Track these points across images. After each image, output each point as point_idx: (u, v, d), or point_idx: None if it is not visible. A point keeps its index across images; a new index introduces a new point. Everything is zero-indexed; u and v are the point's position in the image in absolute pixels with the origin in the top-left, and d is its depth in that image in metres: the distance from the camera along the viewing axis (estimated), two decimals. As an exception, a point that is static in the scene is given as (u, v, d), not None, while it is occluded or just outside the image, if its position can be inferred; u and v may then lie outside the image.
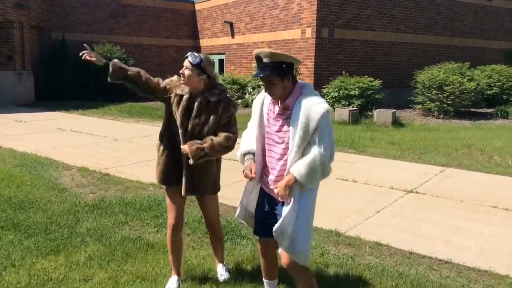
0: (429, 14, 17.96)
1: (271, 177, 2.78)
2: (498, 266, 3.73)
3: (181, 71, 3.09)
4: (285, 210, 2.62)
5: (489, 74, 16.23)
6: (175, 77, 3.27)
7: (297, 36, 15.91)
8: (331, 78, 14.59)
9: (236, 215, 3.04)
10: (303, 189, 2.62)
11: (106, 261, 3.70)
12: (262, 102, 2.83)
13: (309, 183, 2.57)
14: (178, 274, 3.33)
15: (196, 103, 3.08)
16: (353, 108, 13.00)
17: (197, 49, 23.20)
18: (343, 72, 14.77)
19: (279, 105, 2.69)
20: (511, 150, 8.75)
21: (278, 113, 2.69)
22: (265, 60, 2.53)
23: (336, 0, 15.44)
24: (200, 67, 3.07)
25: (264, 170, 2.85)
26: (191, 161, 3.01)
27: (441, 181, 6.50)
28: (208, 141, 3.02)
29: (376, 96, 13.84)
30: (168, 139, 3.23)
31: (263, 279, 3.08)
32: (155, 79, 3.25)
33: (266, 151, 2.80)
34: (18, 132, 10.53)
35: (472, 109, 14.88)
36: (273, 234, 2.64)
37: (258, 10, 18.21)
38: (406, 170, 7.16)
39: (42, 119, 12.75)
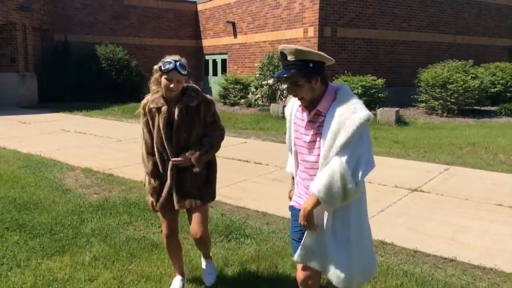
0: (432, 12, 17.91)
1: (307, 197, 2.43)
2: (503, 264, 3.71)
3: (172, 86, 2.82)
4: (331, 249, 2.33)
5: (493, 71, 16.17)
6: (147, 96, 3.01)
7: (299, 36, 15.90)
8: (334, 77, 14.57)
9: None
10: (340, 210, 2.31)
11: (111, 261, 3.71)
12: (291, 112, 2.52)
13: (328, 201, 2.23)
14: (182, 274, 3.33)
15: (176, 112, 2.88)
16: (356, 107, 12.96)
17: (200, 49, 23.25)
18: (345, 71, 14.75)
19: (309, 111, 2.36)
20: (516, 148, 8.72)
21: (308, 121, 2.35)
22: (289, 57, 2.22)
23: (338, -1, 15.42)
24: (189, 72, 2.89)
25: (300, 190, 2.53)
26: (196, 169, 2.94)
27: (446, 180, 6.48)
28: (206, 145, 2.97)
29: (379, 94, 13.82)
30: (154, 162, 3.03)
31: None
32: (145, 152, 3.08)
33: (299, 166, 2.49)
34: (22, 133, 10.57)
35: (476, 107, 14.83)
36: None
37: (260, 10, 18.21)
38: (410, 169, 7.14)
39: (46, 121, 12.79)
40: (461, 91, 13.40)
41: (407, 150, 8.67)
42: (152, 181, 3.03)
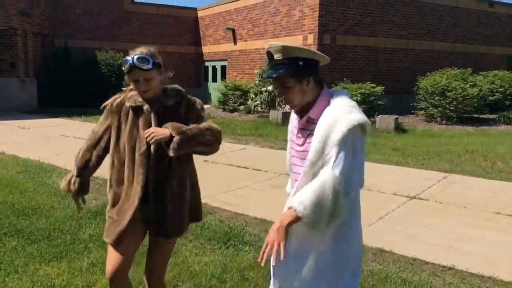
0: (431, 20, 18.01)
1: None
2: (501, 272, 3.71)
3: (140, 87, 2.31)
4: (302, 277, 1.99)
5: (491, 80, 16.24)
6: (122, 93, 2.50)
7: (299, 43, 15.97)
8: (333, 85, 14.61)
9: None
10: (325, 232, 1.96)
11: (108, 267, 3.70)
12: (291, 121, 2.23)
13: (314, 221, 1.85)
14: None
15: (152, 114, 2.36)
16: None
17: (199, 55, 23.31)
18: (344, 78, 14.80)
19: (301, 117, 2.08)
20: (514, 156, 8.73)
21: (300, 128, 2.07)
22: (276, 56, 1.95)
23: (338, 7, 15.52)
24: (156, 64, 2.33)
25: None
26: (171, 152, 2.23)
27: (444, 187, 6.48)
28: (192, 127, 2.34)
29: (379, 102, 13.86)
30: (119, 178, 2.45)
31: None
32: (91, 138, 2.56)
33: (292, 182, 2.18)
34: (21, 138, 10.57)
35: (474, 115, 14.86)
36: None
37: (260, 17, 18.29)
38: (408, 176, 7.15)
39: (45, 126, 12.79)
40: (460, 99, 13.44)
41: (406, 158, 8.67)
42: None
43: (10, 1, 16.47)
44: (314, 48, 15.27)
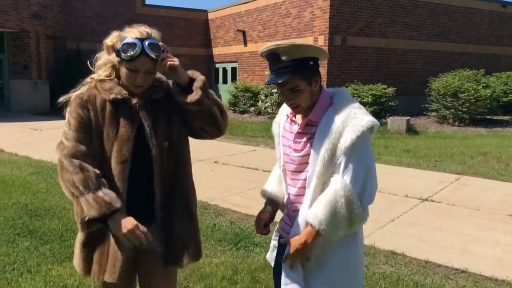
0: (443, 21, 17.86)
1: (295, 226, 1.94)
2: (516, 276, 3.66)
3: (139, 81, 1.85)
4: None
5: (504, 81, 16.06)
6: (89, 84, 1.96)
7: (309, 44, 15.95)
8: (343, 86, 14.53)
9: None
10: (332, 244, 1.85)
11: (120, 268, 3.71)
12: (279, 124, 2.08)
13: (331, 232, 1.77)
14: None
15: (143, 110, 1.91)
16: (366, 116, 12.95)
17: (210, 57, 23.38)
18: (355, 80, 14.74)
19: (299, 120, 1.94)
20: (528, 158, 8.62)
21: (298, 132, 1.91)
22: (284, 57, 1.77)
23: (349, 8, 15.46)
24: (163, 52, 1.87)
25: (288, 215, 2.05)
26: (194, 98, 1.85)
27: (457, 189, 6.42)
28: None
29: (390, 103, 13.79)
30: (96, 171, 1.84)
31: None
32: (77, 149, 1.86)
33: (288, 188, 2.02)
34: (34, 140, 10.68)
35: (487, 117, 14.71)
36: None
37: (271, 19, 18.29)
38: (421, 178, 7.09)
39: (58, 127, 12.88)
40: (472, 100, 13.31)
41: (418, 159, 8.61)
42: (110, 198, 1.78)
43: (23, 4, 16.67)
44: (325, 50, 15.24)
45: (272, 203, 2.11)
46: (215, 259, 3.93)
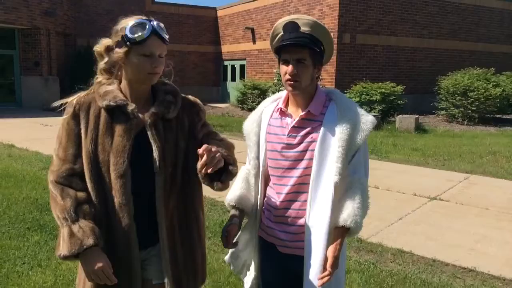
0: (453, 19, 17.73)
1: (285, 231, 1.87)
2: (524, 275, 3.65)
3: (156, 69, 1.68)
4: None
5: (515, 80, 15.90)
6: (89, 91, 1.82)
7: (318, 42, 15.91)
8: (352, 84, 14.51)
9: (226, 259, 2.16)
10: None
11: (129, 263, 3.75)
12: (259, 123, 1.98)
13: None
14: None
15: (151, 130, 1.72)
16: (375, 114, 12.91)
17: (219, 54, 23.41)
18: (364, 78, 14.69)
19: (294, 114, 1.86)
20: (538, 158, 8.55)
21: (294, 126, 1.83)
22: (303, 28, 1.74)
23: (358, 6, 15.40)
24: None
25: (271, 221, 1.93)
26: (221, 187, 1.70)
27: (466, 188, 6.39)
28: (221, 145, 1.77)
29: (399, 101, 13.72)
30: (107, 219, 1.71)
31: None
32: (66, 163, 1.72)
33: (269, 190, 1.93)
34: (44, 135, 10.77)
35: (497, 115, 14.59)
36: None
37: (280, 16, 18.26)
38: (429, 177, 7.06)
39: (67, 124, 12.98)
40: (482, 99, 13.22)
41: (427, 158, 8.57)
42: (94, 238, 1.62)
43: (34, 1, 16.80)
44: (334, 47, 15.20)
45: (240, 214, 1.98)
46: (223, 255, 3.95)
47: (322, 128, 1.78)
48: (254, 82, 17.85)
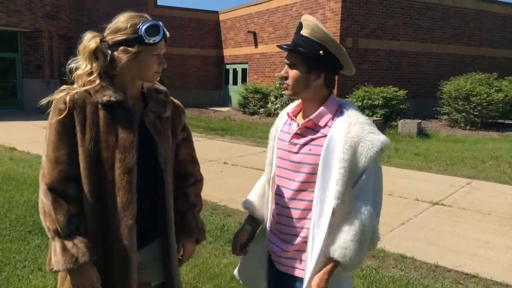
0: (455, 24, 17.73)
1: (278, 246, 1.80)
2: (528, 282, 3.62)
3: (163, 68, 1.74)
4: None
5: (517, 85, 15.87)
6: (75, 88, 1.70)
7: (320, 46, 15.92)
8: (354, 88, 14.50)
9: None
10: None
11: (129, 267, 3.73)
12: (277, 128, 1.91)
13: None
14: None
15: (153, 127, 1.74)
16: (377, 118, 12.89)
17: (221, 58, 23.44)
18: (366, 82, 14.69)
19: (300, 121, 1.76)
20: (541, 163, 8.52)
21: (296, 133, 1.74)
22: (304, 31, 1.66)
23: (360, 10, 15.41)
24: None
25: (272, 233, 1.87)
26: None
27: (468, 194, 6.36)
28: (197, 203, 2.02)
29: (401, 106, 13.70)
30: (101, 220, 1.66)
31: None
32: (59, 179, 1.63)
33: (276, 198, 1.83)
34: (46, 138, 10.77)
35: (500, 120, 14.56)
36: None
37: (282, 20, 18.29)
38: (431, 182, 7.03)
39: (69, 127, 12.99)
40: (484, 104, 13.19)
41: (429, 163, 8.54)
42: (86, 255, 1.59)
43: (36, 4, 16.85)
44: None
45: (253, 221, 1.95)
46: (224, 259, 3.93)
47: (325, 144, 1.64)
48: (256, 86, 17.87)
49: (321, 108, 1.70)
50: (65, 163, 1.61)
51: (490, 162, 8.61)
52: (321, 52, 1.64)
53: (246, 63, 21.14)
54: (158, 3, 22.24)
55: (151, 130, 1.72)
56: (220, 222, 4.89)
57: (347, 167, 1.59)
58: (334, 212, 1.60)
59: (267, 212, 1.92)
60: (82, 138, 1.62)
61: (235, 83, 22.50)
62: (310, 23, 1.65)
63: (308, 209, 1.70)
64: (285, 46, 1.67)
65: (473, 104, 13.31)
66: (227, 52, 22.91)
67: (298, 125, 1.75)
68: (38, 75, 17.45)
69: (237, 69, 22.32)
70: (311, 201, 1.67)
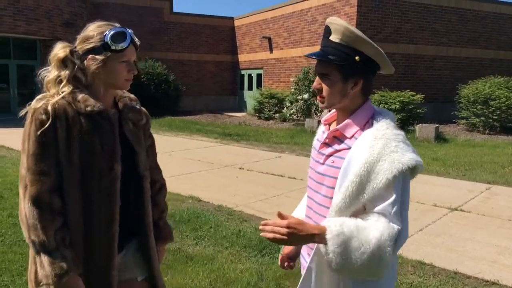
0: (473, 27, 17.53)
1: (306, 260, 1.68)
2: (550, 289, 3.53)
3: (133, 75, 1.74)
4: None
5: (537, 88, 15.60)
6: (51, 98, 1.64)
7: (336, 51, 15.88)
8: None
9: None
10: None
11: (146, 272, 3.75)
12: (316, 139, 1.76)
13: (339, 262, 1.40)
14: None
15: (132, 135, 1.78)
16: (393, 123, 12.77)
17: (236, 64, 23.54)
18: (382, 87, 14.59)
19: (328, 129, 1.65)
20: None
21: (323, 143, 1.62)
22: (333, 36, 1.51)
23: (376, 14, 15.34)
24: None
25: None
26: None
27: (487, 199, 6.25)
28: (165, 209, 2.09)
29: (418, 110, 13.58)
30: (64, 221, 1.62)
31: None
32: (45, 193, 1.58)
33: (306, 211, 1.73)
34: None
35: (519, 125, 14.32)
36: None
37: (297, 25, 18.30)
38: (450, 187, 6.94)
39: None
40: (504, 108, 12.99)
41: (447, 168, 8.43)
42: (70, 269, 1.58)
43: (55, 12, 17.17)
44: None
45: None
46: (240, 265, 3.92)
47: (347, 157, 1.48)
48: (271, 91, 17.89)
49: (351, 117, 1.55)
50: (49, 175, 1.58)
51: (510, 167, 8.46)
52: (356, 58, 1.49)
53: (261, 68, 21.19)
54: (174, 10, 22.44)
55: (131, 138, 1.76)
56: (236, 227, 4.88)
57: (357, 182, 1.42)
58: None
59: None
60: (66, 149, 1.60)
61: (250, 88, 22.55)
62: (339, 27, 1.49)
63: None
64: (320, 58, 1.52)
65: (492, 108, 13.12)
66: (242, 57, 23.00)
67: (327, 133, 1.63)
68: (56, 82, 17.74)
69: (252, 75, 22.38)
70: None
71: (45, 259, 1.55)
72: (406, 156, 1.43)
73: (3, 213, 5.15)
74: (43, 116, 1.57)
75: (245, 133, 13.55)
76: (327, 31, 1.53)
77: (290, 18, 18.73)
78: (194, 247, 4.33)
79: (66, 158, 1.60)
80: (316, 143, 1.70)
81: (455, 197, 6.31)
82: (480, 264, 4.03)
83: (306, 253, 1.69)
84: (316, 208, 1.61)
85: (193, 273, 3.72)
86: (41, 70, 1.70)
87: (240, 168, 8.22)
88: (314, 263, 1.57)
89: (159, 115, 17.72)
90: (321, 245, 1.44)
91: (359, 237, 1.38)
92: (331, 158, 1.55)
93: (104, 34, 1.65)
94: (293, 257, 1.83)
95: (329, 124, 1.68)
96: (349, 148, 1.51)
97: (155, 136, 2.01)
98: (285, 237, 1.40)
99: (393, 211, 1.41)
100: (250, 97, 20.97)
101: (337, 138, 1.58)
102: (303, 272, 1.68)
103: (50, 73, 1.68)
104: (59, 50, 1.68)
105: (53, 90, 1.65)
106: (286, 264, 1.82)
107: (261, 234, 1.45)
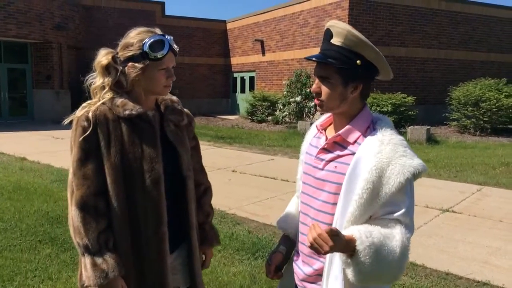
0: (463, 30, 17.69)
1: (305, 271, 1.64)
2: (541, 289, 3.57)
3: (172, 81, 1.75)
4: None
5: (527, 90, 15.77)
6: (94, 104, 1.72)
7: (328, 53, 15.94)
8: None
9: None
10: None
11: (138, 276, 3.74)
12: (307, 141, 1.75)
13: (367, 272, 1.38)
14: None
15: (174, 136, 1.80)
16: (385, 125, 12.85)
17: (228, 67, 23.55)
18: (374, 89, 14.66)
19: (329, 135, 1.62)
20: (553, 169, 8.42)
21: (322, 148, 1.59)
22: (334, 40, 1.50)
23: (367, 17, 15.43)
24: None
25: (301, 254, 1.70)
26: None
27: (478, 200, 6.30)
28: (211, 212, 2.07)
29: (410, 112, 13.66)
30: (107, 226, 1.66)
31: None
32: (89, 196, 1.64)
33: (301, 217, 1.68)
34: (55, 148, 10.86)
35: (510, 126, 14.44)
36: None
37: (289, 28, 18.36)
38: (441, 189, 6.98)
39: (79, 136, 13.08)
40: (494, 109, 13.12)
41: (439, 170, 8.49)
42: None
43: (46, 15, 17.08)
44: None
45: (288, 241, 1.81)
46: (233, 268, 3.92)
47: (352, 163, 1.47)
48: (264, 94, 17.92)
49: (352, 123, 1.54)
50: (93, 179, 1.64)
51: (501, 168, 8.53)
52: (358, 62, 1.48)
53: (254, 71, 21.22)
54: (166, 13, 22.42)
55: (173, 139, 1.78)
56: (229, 230, 4.88)
57: (370, 189, 1.41)
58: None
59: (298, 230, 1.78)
60: (108, 153, 1.65)
61: (242, 91, 22.57)
62: (341, 31, 1.47)
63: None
64: (319, 59, 1.51)
65: (483, 110, 13.24)
66: (235, 60, 23.02)
67: (327, 139, 1.60)
68: (48, 86, 17.64)
69: (244, 77, 22.40)
70: (331, 224, 1.50)
71: (88, 261, 1.60)
72: (415, 161, 1.45)
73: (-6, 217, 5.12)
74: (85, 123, 1.64)
75: (238, 136, 13.55)
76: (328, 34, 1.52)
77: (282, 21, 18.78)
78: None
79: (108, 162, 1.64)
80: (309, 148, 1.68)
81: (446, 198, 6.35)
82: (471, 265, 4.06)
83: (301, 262, 1.67)
84: (313, 214, 1.59)
85: (186, 277, 3.71)
86: (88, 76, 1.77)
87: (233, 171, 8.22)
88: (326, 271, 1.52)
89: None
90: (342, 254, 1.41)
91: (388, 247, 1.39)
92: (333, 164, 1.54)
93: (143, 42, 1.67)
94: (281, 267, 1.81)
95: (324, 129, 1.66)
96: (353, 153, 1.50)
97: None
98: (331, 243, 1.31)
99: (408, 217, 1.45)
100: (243, 100, 20.98)
101: (337, 143, 1.56)
102: (297, 281, 1.68)
103: (95, 79, 1.74)
104: (102, 57, 1.74)
105: (97, 97, 1.72)
106: (275, 275, 1.78)
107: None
